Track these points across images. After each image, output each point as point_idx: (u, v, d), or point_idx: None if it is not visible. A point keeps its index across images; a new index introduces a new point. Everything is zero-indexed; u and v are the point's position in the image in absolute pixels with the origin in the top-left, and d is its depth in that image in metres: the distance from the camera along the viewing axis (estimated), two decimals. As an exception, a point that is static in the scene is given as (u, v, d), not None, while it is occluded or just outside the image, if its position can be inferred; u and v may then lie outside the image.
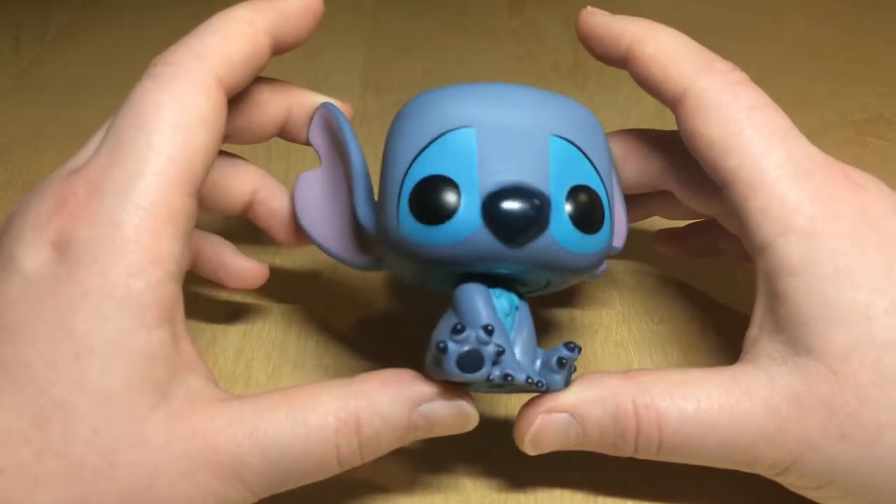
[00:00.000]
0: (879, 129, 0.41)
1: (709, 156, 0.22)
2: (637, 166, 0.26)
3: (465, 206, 0.20)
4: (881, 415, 0.19)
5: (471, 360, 0.19)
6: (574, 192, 0.20)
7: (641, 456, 0.21)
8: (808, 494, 0.21)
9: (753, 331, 0.22)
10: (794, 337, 0.20)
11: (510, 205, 0.19)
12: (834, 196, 0.21)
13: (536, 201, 0.20)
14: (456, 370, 0.19)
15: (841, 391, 0.19)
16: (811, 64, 0.49)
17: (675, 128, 0.24)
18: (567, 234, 0.20)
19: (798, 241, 0.20)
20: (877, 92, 0.45)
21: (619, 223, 0.25)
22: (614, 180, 0.25)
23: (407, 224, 0.20)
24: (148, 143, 0.20)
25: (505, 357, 0.19)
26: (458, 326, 0.19)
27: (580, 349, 0.20)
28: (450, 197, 0.20)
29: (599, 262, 0.22)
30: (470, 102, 0.21)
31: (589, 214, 0.20)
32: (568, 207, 0.20)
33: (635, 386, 0.21)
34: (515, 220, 0.19)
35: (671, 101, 0.23)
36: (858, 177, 0.22)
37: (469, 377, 0.19)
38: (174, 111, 0.20)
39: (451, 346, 0.19)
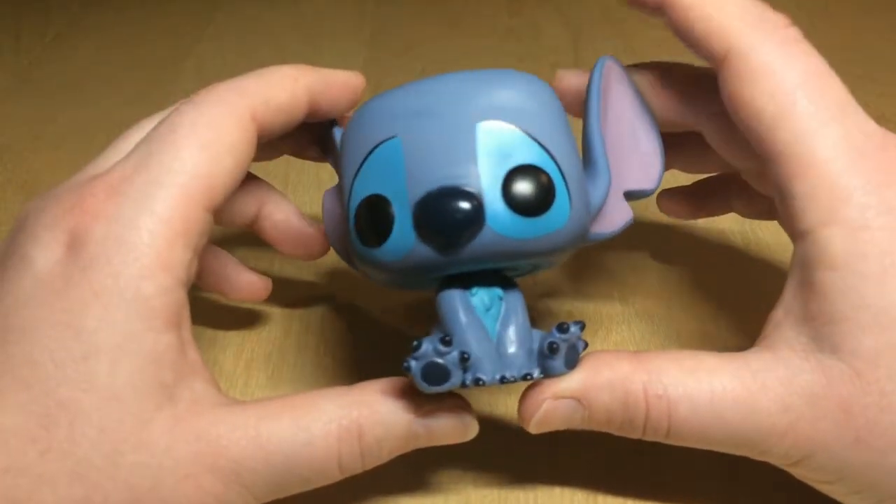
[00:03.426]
0: (879, 128, 0.41)
1: (755, 126, 0.20)
2: (669, 101, 0.24)
3: (399, 222, 0.20)
4: None
5: (435, 373, 0.19)
6: (512, 177, 0.19)
7: (648, 439, 0.21)
8: (819, 487, 0.21)
9: (778, 314, 0.21)
10: (821, 333, 0.19)
11: (436, 212, 0.19)
12: (889, 183, 0.19)
13: (463, 201, 0.19)
14: (424, 385, 0.19)
15: (862, 395, 0.19)
16: (811, 64, 0.48)
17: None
18: (508, 223, 0.19)
19: (844, 235, 0.19)
20: (877, 92, 0.45)
21: (649, 163, 0.23)
22: (642, 115, 0.23)
23: (357, 246, 0.21)
24: (175, 157, 0.20)
25: (473, 360, 0.19)
26: (415, 343, 0.19)
27: (582, 325, 0.19)
28: (384, 217, 0.20)
29: (569, 239, 0.20)
30: (393, 110, 0.20)
31: (530, 197, 0.19)
32: (505, 195, 0.19)
33: (647, 372, 0.20)
34: (444, 226, 0.19)
35: (713, 59, 0.21)
36: None
37: (440, 389, 0.19)
38: (206, 133, 0.21)
39: (413, 364, 0.19)
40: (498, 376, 0.19)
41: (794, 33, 0.21)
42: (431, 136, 0.20)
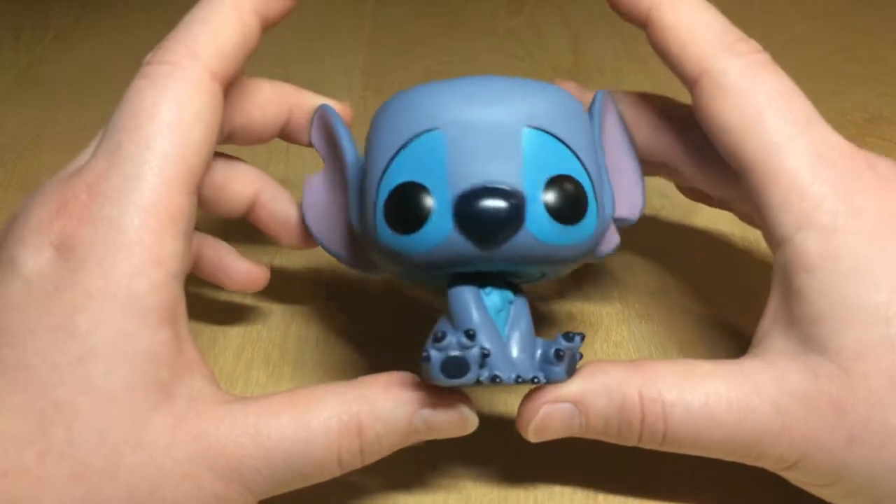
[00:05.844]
0: (879, 129, 0.41)
1: (727, 141, 0.21)
2: (646, 137, 0.25)
3: (437, 211, 0.20)
4: (891, 418, 0.19)
5: (455, 366, 0.19)
6: (551, 184, 0.20)
7: (645, 446, 0.21)
8: (814, 491, 0.21)
9: (766, 323, 0.21)
10: (807, 334, 0.20)
11: (480, 206, 0.19)
12: (855, 189, 0.20)
13: (508, 200, 0.19)
14: (442, 377, 0.19)
15: (852, 392, 0.19)
16: (811, 64, 0.48)
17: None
18: (545, 228, 0.20)
19: (818, 238, 0.20)
20: (877, 92, 0.45)
21: (633, 193, 0.24)
22: (627, 146, 0.24)
23: (383, 232, 0.20)
24: (146, 145, 0.20)
25: (491, 358, 0.19)
26: (439, 334, 0.19)
27: (583, 336, 0.20)
28: (421, 204, 0.20)
29: (588, 250, 0.21)
30: (437, 103, 0.21)
31: (568, 205, 0.20)
32: (545, 201, 0.20)
33: (642, 377, 0.20)
34: (486, 221, 0.19)
35: (687, 80, 0.22)
36: (883, 167, 0.21)
37: (456, 383, 0.19)
38: (170, 111, 0.20)
39: (434, 354, 0.19)
40: (514, 375, 0.19)
41: (763, 57, 0.22)
42: (476, 134, 0.20)
